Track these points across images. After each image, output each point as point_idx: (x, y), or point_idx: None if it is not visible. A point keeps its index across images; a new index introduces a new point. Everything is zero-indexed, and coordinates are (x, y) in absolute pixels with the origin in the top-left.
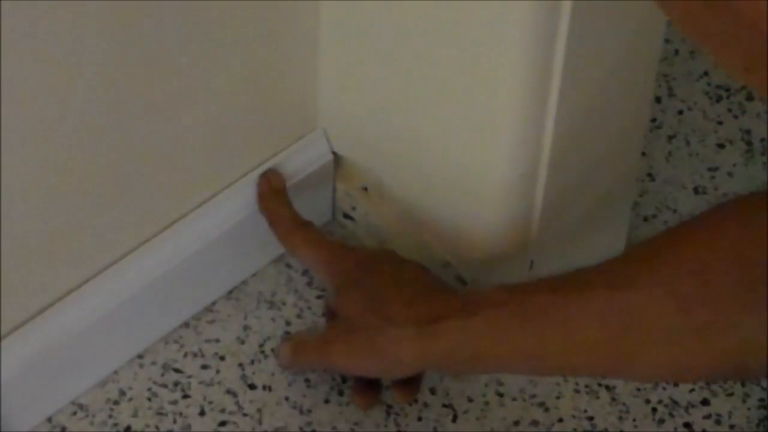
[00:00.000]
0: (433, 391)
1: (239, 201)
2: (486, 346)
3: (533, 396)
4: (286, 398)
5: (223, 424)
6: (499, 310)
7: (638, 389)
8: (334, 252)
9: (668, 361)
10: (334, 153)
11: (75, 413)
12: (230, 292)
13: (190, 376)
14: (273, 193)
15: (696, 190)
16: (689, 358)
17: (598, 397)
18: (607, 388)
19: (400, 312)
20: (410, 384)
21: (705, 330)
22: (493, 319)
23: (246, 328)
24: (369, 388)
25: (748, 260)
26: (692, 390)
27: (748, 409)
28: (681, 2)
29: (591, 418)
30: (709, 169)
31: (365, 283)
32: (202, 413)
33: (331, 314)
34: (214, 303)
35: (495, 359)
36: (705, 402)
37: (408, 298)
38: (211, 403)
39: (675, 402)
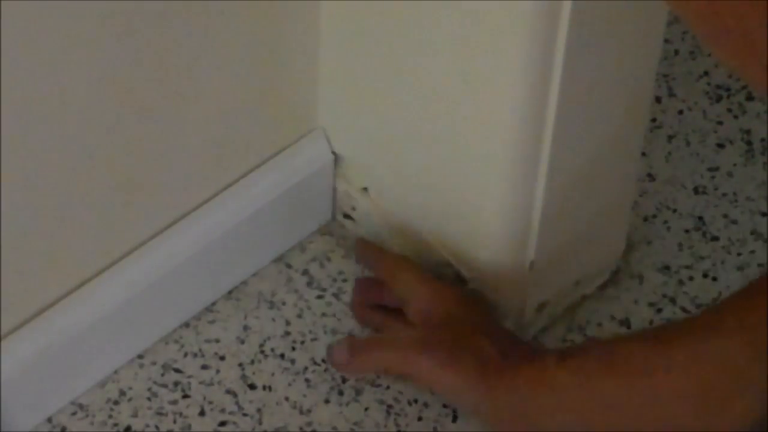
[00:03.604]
0: (433, 391)
1: (239, 201)
2: (574, 392)
3: None
4: (286, 398)
5: (223, 424)
6: (588, 357)
7: None
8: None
9: (758, 408)
10: (334, 153)
11: (75, 413)
12: (230, 292)
13: (190, 376)
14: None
15: (696, 190)
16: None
17: None
18: None
19: (505, 341)
20: None
21: None
22: (582, 366)
23: (246, 328)
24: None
25: None
26: None
27: None
28: (695, 4)
29: None
30: (709, 169)
31: (470, 313)
32: (202, 413)
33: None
34: (214, 303)
35: (581, 404)
36: None
37: (505, 333)
38: (211, 403)
39: None
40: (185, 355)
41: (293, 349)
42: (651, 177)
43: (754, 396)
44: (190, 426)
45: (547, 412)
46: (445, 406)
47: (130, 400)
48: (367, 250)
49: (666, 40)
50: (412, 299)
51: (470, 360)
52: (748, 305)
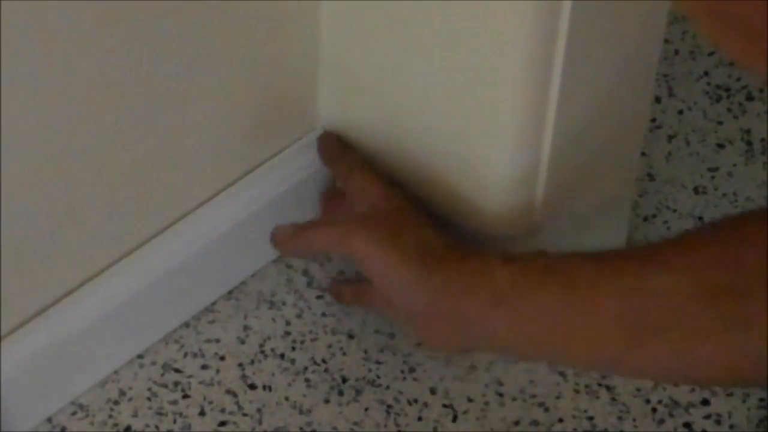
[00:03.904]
0: (433, 391)
1: (239, 201)
2: (507, 295)
3: (533, 396)
4: (286, 398)
5: (223, 424)
6: (531, 263)
7: (638, 389)
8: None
9: (685, 348)
10: None
11: (75, 413)
12: (230, 292)
13: (190, 376)
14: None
15: (696, 190)
16: (707, 349)
17: (598, 397)
18: (607, 388)
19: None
20: (360, 289)
21: (729, 323)
22: (521, 270)
23: (246, 328)
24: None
25: None
26: (692, 390)
27: (748, 409)
28: (707, 4)
29: (591, 418)
30: (709, 169)
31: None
32: (202, 413)
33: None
34: (214, 303)
35: (510, 316)
36: (705, 402)
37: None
38: (211, 403)
39: (675, 402)
40: (185, 355)
41: (293, 349)
42: (651, 177)
43: (683, 334)
44: (190, 426)
45: (481, 312)
46: (445, 406)
47: (130, 400)
48: (327, 146)
49: (666, 40)
50: (365, 197)
51: (411, 241)
52: (699, 247)
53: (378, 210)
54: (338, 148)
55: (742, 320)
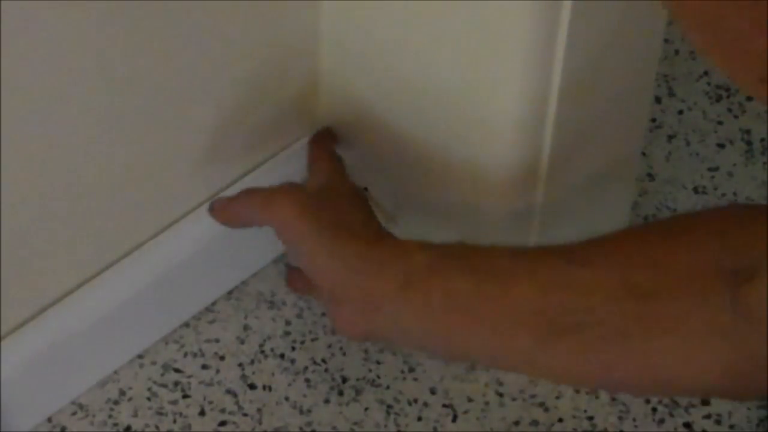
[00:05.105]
0: (433, 391)
1: None
2: (420, 277)
3: (533, 396)
4: (286, 398)
5: (223, 424)
6: (449, 251)
7: None
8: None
9: (600, 349)
10: None
11: (75, 413)
12: (230, 292)
13: (190, 376)
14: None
15: (696, 190)
16: (623, 351)
17: (598, 397)
18: None
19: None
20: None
21: (650, 322)
22: (439, 255)
23: (246, 328)
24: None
25: (709, 267)
26: None
27: (748, 409)
28: (696, 5)
29: (591, 418)
30: (709, 169)
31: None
32: (202, 413)
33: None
34: (214, 303)
35: (420, 298)
36: (705, 402)
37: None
38: (211, 403)
39: (675, 402)
40: (185, 355)
41: (293, 349)
42: (651, 177)
43: (599, 333)
44: (190, 426)
45: (389, 293)
46: (445, 406)
47: (130, 400)
48: (312, 149)
49: (666, 40)
50: (316, 171)
51: (333, 217)
52: (624, 246)
53: (316, 184)
54: (320, 134)
55: (662, 324)
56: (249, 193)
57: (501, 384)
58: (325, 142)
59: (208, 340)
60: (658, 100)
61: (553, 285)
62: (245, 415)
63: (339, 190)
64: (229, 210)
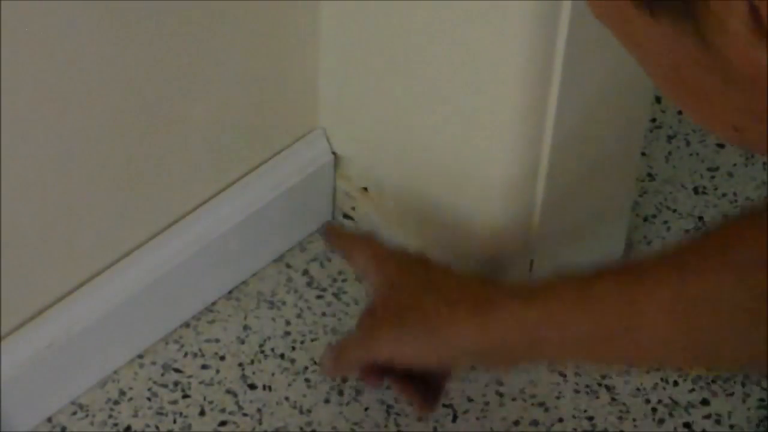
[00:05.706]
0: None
1: (239, 201)
2: (545, 332)
3: (533, 396)
4: (286, 398)
5: (223, 424)
6: (559, 296)
7: (638, 389)
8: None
9: (746, 350)
10: (334, 153)
11: (75, 413)
12: (230, 292)
13: (190, 376)
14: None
15: (696, 190)
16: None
17: (598, 397)
18: (607, 388)
19: (454, 293)
20: (431, 393)
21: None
22: (552, 305)
23: (246, 328)
24: (423, 390)
25: None
26: (692, 390)
27: (748, 409)
28: (668, 62)
29: (591, 418)
30: (709, 169)
31: (414, 275)
32: (202, 413)
33: (367, 314)
34: (214, 303)
35: (555, 345)
36: (705, 402)
37: (461, 283)
38: (211, 403)
39: (675, 402)
40: (185, 355)
41: (293, 349)
42: (651, 177)
43: (747, 340)
44: (190, 426)
45: (524, 352)
46: (445, 406)
47: (130, 400)
48: (333, 236)
49: None
50: (364, 279)
51: (417, 321)
52: (731, 242)
53: (381, 296)
54: (342, 237)
55: None
56: (348, 343)
57: (501, 384)
58: (342, 237)
59: (208, 340)
60: (658, 100)
61: (678, 304)
62: (245, 415)
63: (405, 285)
64: (338, 370)
